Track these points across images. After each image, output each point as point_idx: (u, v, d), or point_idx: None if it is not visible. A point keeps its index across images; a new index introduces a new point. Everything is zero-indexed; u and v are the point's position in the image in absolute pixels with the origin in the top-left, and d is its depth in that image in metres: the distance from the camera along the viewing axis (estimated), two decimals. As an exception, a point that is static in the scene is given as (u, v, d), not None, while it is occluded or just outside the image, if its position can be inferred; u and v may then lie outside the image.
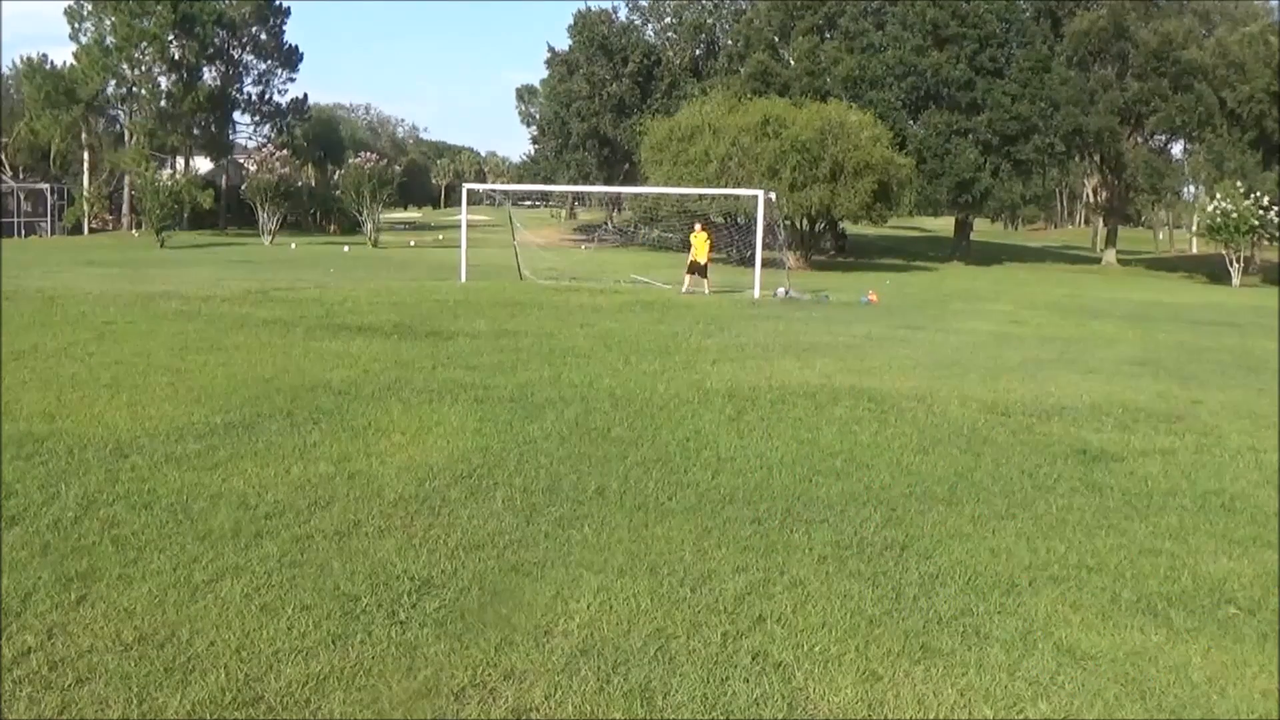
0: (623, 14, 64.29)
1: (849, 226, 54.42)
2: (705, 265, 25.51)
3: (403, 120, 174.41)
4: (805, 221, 44.11)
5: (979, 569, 5.67)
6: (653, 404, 10.04)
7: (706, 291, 24.86)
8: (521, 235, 34.20)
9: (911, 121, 51.90)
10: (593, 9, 64.81)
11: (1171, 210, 73.56)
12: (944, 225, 73.47)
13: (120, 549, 5.51)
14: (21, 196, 56.78)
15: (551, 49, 64.52)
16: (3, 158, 60.46)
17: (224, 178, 64.28)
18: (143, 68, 60.09)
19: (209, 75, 63.65)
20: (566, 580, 5.29)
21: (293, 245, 46.74)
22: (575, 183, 60.48)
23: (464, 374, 11.41)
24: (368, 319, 16.48)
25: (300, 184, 58.69)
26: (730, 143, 40.71)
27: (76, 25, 60.14)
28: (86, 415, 8.65)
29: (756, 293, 25.19)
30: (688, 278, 25.48)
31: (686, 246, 27.05)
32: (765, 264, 26.52)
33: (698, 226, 26.58)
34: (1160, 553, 6.07)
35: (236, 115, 66.95)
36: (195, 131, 63.07)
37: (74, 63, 59.29)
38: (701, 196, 40.55)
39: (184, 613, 4.73)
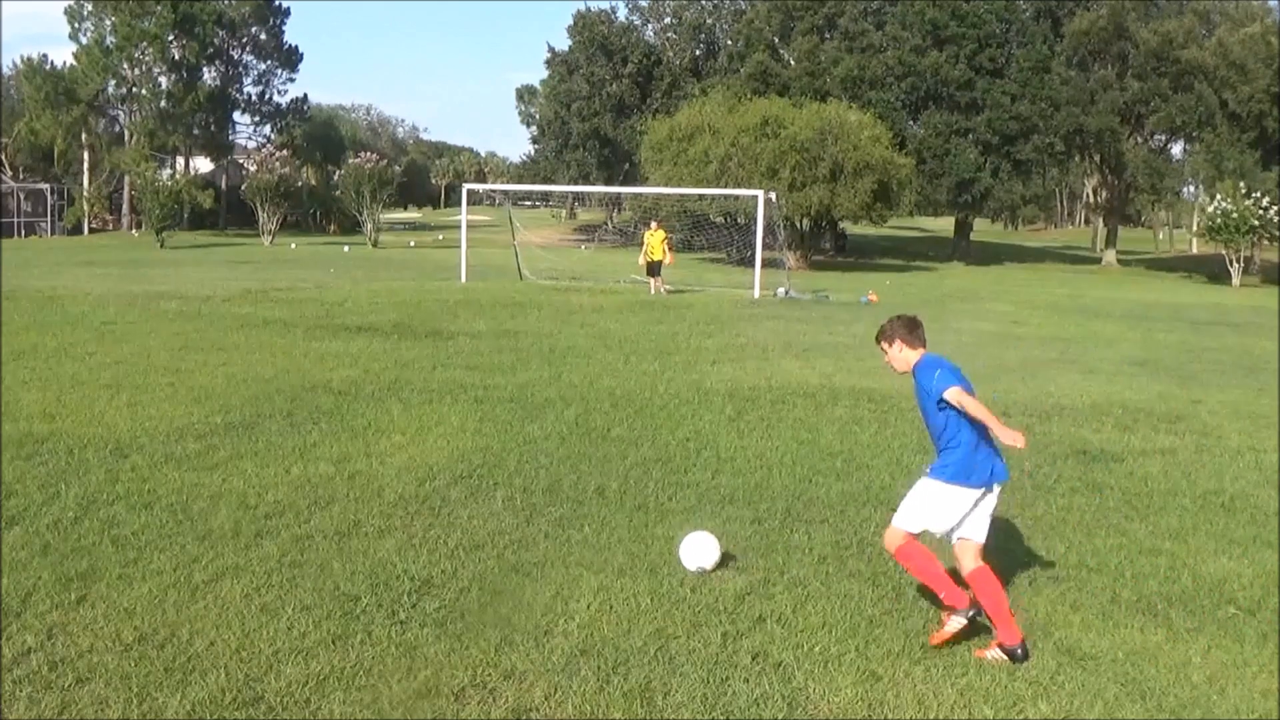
0: (622, 14, 64.30)
1: (849, 226, 54.41)
2: (659, 264, 24.57)
3: (403, 120, 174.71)
4: (805, 221, 44.10)
5: (979, 569, 5.67)
6: (653, 404, 10.04)
7: (653, 291, 24.12)
8: (521, 235, 34.20)
9: (911, 121, 51.86)
10: (593, 9, 64.86)
11: (1171, 210, 73.60)
12: (944, 225, 73.47)
13: (120, 549, 5.51)
14: (21, 196, 56.79)
15: (551, 49, 64.52)
16: (3, 158, 60.45)
17: (224, 178, 64.27)
18: (143, 68, 60.10)
19: (209, 75, 63.66)
20: (566, 580, 5.29)
21: (293, 245, 46.75)
22: (575, 183, 60.47)
23: (464, 374, 11.42)
24: (368, 319, 16.49)
25: (300, 184, 58.66)
26: (730, 143, 40.69)
27: (76, 25, 60.20)
28: (86, 415, 8.65)
29: (756, 293, 25.17)
30: (653, 280, 24.47)
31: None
32: (765, 264, 26.49)
33: (653, 224, 25.99)
34: (1160, 553, 6.07)
35: (236, 115, 67.03)
36: (195, 131, 63.07)
37: (74, 63, 59.31)
38: (701, 196, 40.52)
39: (184, 613, 4.73)
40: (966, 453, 4.65)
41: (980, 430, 4.65)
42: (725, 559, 5.52)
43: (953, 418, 4.66)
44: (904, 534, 4.75)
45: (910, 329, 4.86)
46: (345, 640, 4.50)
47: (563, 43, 64.10)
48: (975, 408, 4.51)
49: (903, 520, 4.78)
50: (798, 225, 43.36)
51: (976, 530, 4.77)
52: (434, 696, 4.05)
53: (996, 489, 4.76)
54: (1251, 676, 4.51)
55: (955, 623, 4.61)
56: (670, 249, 25.57)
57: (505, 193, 48.89)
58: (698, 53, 62.55)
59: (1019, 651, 4.54)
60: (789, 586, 5.31)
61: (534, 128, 74.90)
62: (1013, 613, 4.68)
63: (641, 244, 25.86)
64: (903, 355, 4.85)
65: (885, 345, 4.91)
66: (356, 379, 10.83)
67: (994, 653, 4.57)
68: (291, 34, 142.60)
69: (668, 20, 63.90)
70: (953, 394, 4.54)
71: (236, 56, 66.29)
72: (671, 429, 8.95)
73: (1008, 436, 4.43)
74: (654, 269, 24.55)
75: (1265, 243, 44.70)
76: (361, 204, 52.35)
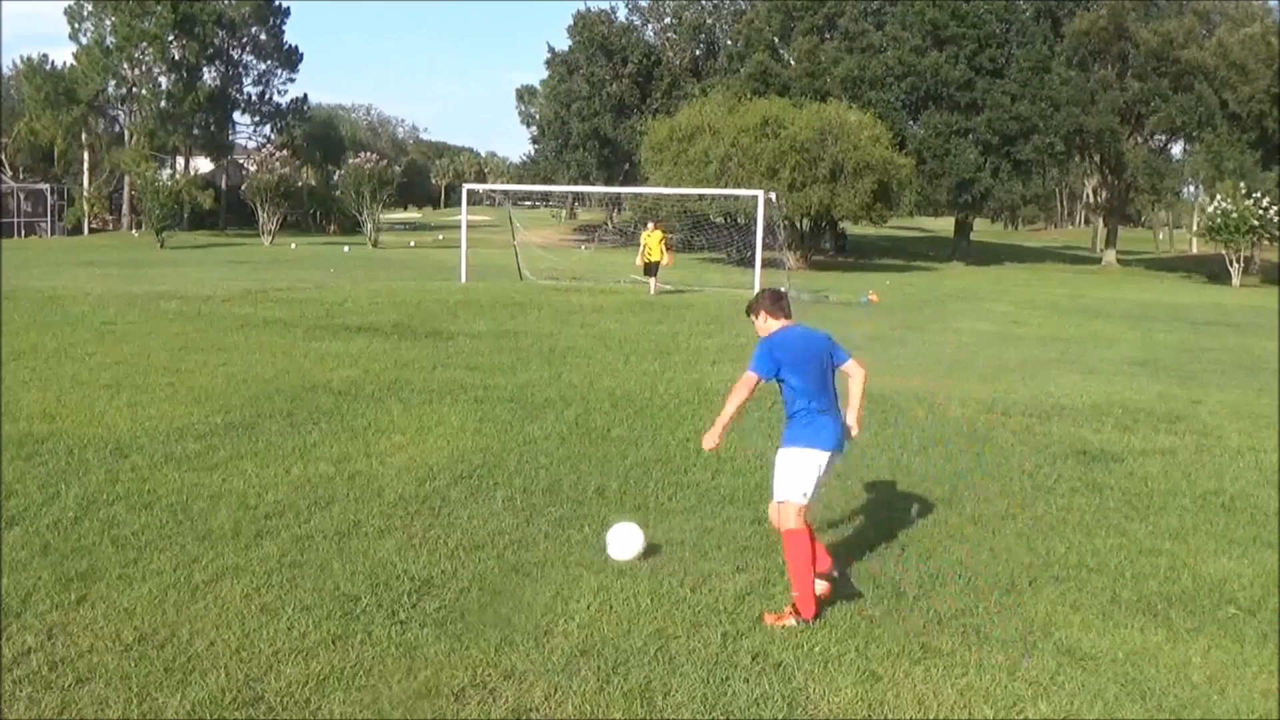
0: (622, 14, 64.22)
1: (849, 226, 54.39)
2: (657, 264, 24.35)
3: (403, 120, 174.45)
4: (805, 221, 44.09)
5: (979, 569, 5.68)
6: (653, 404, 10.04)
7: (652, 291, 23.90)
8: (521, 235, 34.18)
9: (911, 121, 51.84)
10: (593, 9, 64.78)
11: (1171, 210, 73.56)
12: (944, 225, 73.44)
13: (120, 549, 5.51)
14: (21, 196, 56.77)
15: (551, 49, 64.48)
16: (3, 158, 60.45)
17: (224, 178, 64.24)
18: (143, 68, 60.10)
19: (209, 75, 63.64)
20: (566, 580, 5.29)
21: (293, 245, 46.74)
22: (575, 183, 60.45)
23: (464, 374, 11.42)
24: (368, 319, 16.48)
25: (300, 184, 58.64)
26: (730, 143, 40.68)
27: (76, 25, 60.18)
28: (86, 415, 8.65)
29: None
30: (652, 280, 24.28)
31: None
32: (765, 264, 26.47)
33: (650, 225, 25.83)
34: (1160, 553, 6.07)
35: (236, 115, 67.00)
36: (195, 131, 63.05)
37: (74, 63, 59.31)
38: (701, 197, 40.50)
39: (184, 613, 4.73)
40: (806, 418, 5.01)
41: (818, 400, 5.03)
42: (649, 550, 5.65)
43: (787, 389, 5.05)
44: (795, 509, 4.97)
45: (774, 301, 5.24)
46: (345, 640, 4.50)
47: (563, 43, 64.11)
48: (728, 400, 5.00)
49: (784, 492, 5.01)
50: (798, 225, 43.35)
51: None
52: (434, 696, 4.05)
53: (835, 459, 5.14)
54: (1251, 676, 4.51)
55: (789, 621, 4.83)
56: (668, 249, 25.43)
57: (505, 193, 48.90)
58: (698, 53, 62.51)
59: (803, 615, 4.83)
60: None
61: (534, 128, 74.89)
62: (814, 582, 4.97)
63: (640, 245, 25.77)
64: (766, 325, 5.20)
65: (753, 317, 5.28)
66: (356, 379, 10.83)
67: (788, 622, 4.82)
68: (291, 34, 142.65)
69: (668, 20, 63.85)
70: (742, 380, 5.00)
71: (236, 56, 66.26)
72: (671, 429, 8.94)
73: (707, 437, 5.04)
74: (652, 269, 24.48)
75: (1265, 243, 44.68)
76: (361, 204, 52.34)
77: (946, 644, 4.69)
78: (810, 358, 5.07)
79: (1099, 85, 50.51)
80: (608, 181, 61.27)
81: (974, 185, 50.66)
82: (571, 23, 62.17)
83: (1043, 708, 4.15)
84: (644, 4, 63.93)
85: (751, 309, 5.30)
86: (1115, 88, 50.50)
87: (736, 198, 37.08)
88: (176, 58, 59.93)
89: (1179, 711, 4.19)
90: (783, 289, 5.60)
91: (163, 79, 60.69)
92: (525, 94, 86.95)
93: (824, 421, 5.01)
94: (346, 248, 45.18)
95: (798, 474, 4.98)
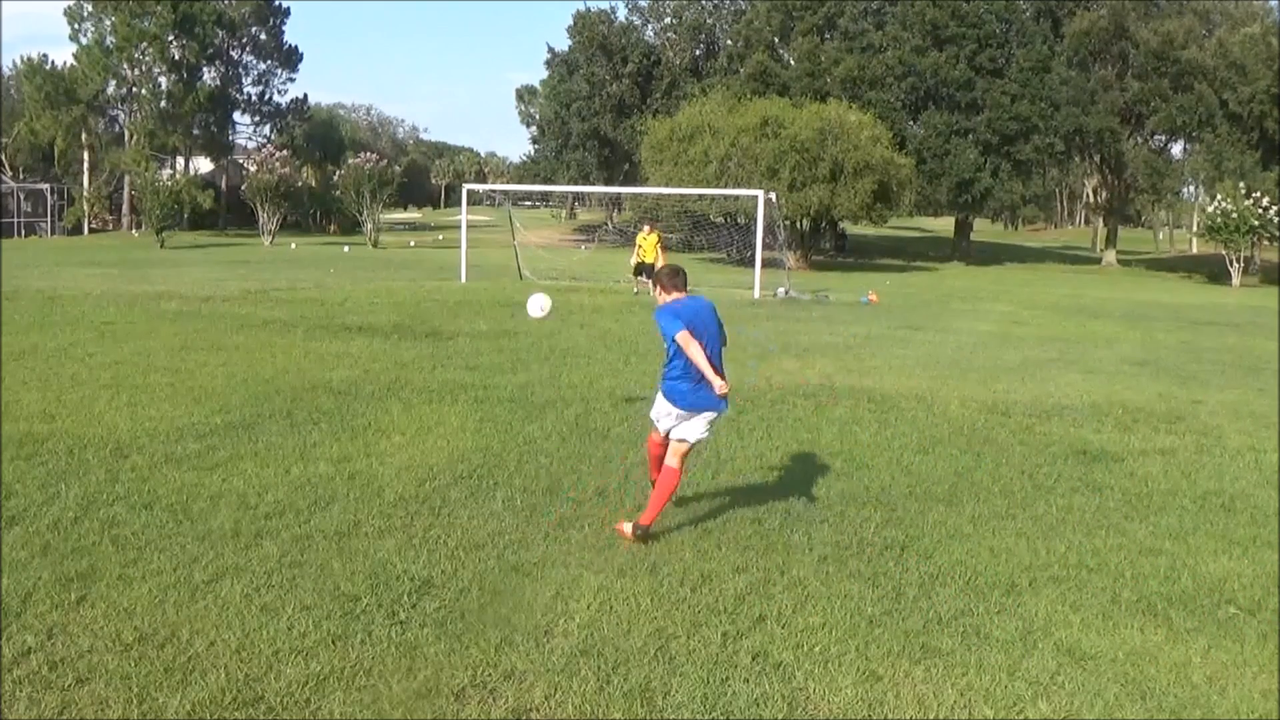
0: (622, 14, 64.19)
1: (849, 226, 54.40)
2: (652, 266, 23.34)
3: (403, 120, 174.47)
4: (805, 221, 44.09)
5: (979, 569, 5.68)
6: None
7: (653, 294, 23.47)
8: (521, 235, 34.18)
9: (911, 121, 51.85)
10: (593, 9, 64.78)
11: (1171, 210, 73.54)
12: (944, 225, 73.47)
13: (120, 549, 5.51)
14: (21, 196, 56.76)
15: (551, 49, 64.52)
16: (3, 158, 60.44)
17: (224, 178, 64.22)
18: (143, 68, 60.09)
19: (209, 75, 63.61)
20: (566, 580, 5.29)
21: (293, 245, 46.72)
22: (575, 183, 60.40)
23: (464, 374, 11.42)
24: (368, 319, 16.48)
25: (300, 184, 58.54)
26: (730, 143, 40.67)
27: (76, 25, 60.16)
28: (86, 415, 8.65)
29: (756, 293, 25.17)
30: (637, 280, 23.98)
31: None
32: (765, 264, 26.48)
33: (646, 227, 25.72)
34: (1160, 553, 6.08)
35: (236, 115, 66.96)
36: (195, 132, 63.03)
37: (74, 63, 59.30)
38: (701, 197, 40.50)
39: (184, 613, 4.73)
40: (674, 379, 5.92)
41: (697, 372, 5.76)
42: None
43: (677, 354, 5.84)
44: (652, 429, 6.17)
45: (671, 277, 6.15)
46: (345, 640, 4.50)
47: (563, 43, 64.11)
48: (694, 354, 5.71)
49: (654, 413, 6.16)
50: (798, 225, 43.35)
51: (689, 433, 5.99)
52: (434, 696, 4.05)
53: (709, 414, 5.98)
54: (1251, 676, 4.51)
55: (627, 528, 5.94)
56: (664, 251, 25.27)
57: (505, 193, 48.82)
58: (698, 53, 62.49)
59: (643, 532, 5.84)
60: (789, 586, 5.31)
61: (534, 128, 74.88)
62: (660, 511, 5.96)
63: (635, 245, 25.63)
64: (663, 297, 6.08)
65: (654, 287, 6.27)
66: (356, 379, 10.82)
67: (628, 527, 5.90)
68: (291, 34, 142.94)
69: (668, 20, 63.82)
70: (681, 338, 5.74)
71: (236, 56, 66.24)
72: (671, 429, 8.93)
73: (716, 385, 5.72)
74: (645, 270, 24.34)
75: (1265, 243, 44.69)
76: (361, 204, 52.32)
77: (946, 644, 4.70)
78: (703, 330, 5.81)
79: (1099, 85, 50.50)
80: (608, 181, 61.25)
81: (974, 185, 50.66)
82: (571, 23, 62.19)
83: (1043, 708, 4.15)
84: (644, 4, 63.93)
85: (653, 283, 6.16)
86: (1115, 88, 50.49)
87: (736, 198, 37.08)
88: (176, 58, 59.89)
89: (1179, 711, 4.19)
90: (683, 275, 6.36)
91: (163, 79, 60.65)
92: (525, 94, 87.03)
93: (694, 390, 5.85)
94: (346, 248, 45.17)
95: (657, 409, 6.09)
